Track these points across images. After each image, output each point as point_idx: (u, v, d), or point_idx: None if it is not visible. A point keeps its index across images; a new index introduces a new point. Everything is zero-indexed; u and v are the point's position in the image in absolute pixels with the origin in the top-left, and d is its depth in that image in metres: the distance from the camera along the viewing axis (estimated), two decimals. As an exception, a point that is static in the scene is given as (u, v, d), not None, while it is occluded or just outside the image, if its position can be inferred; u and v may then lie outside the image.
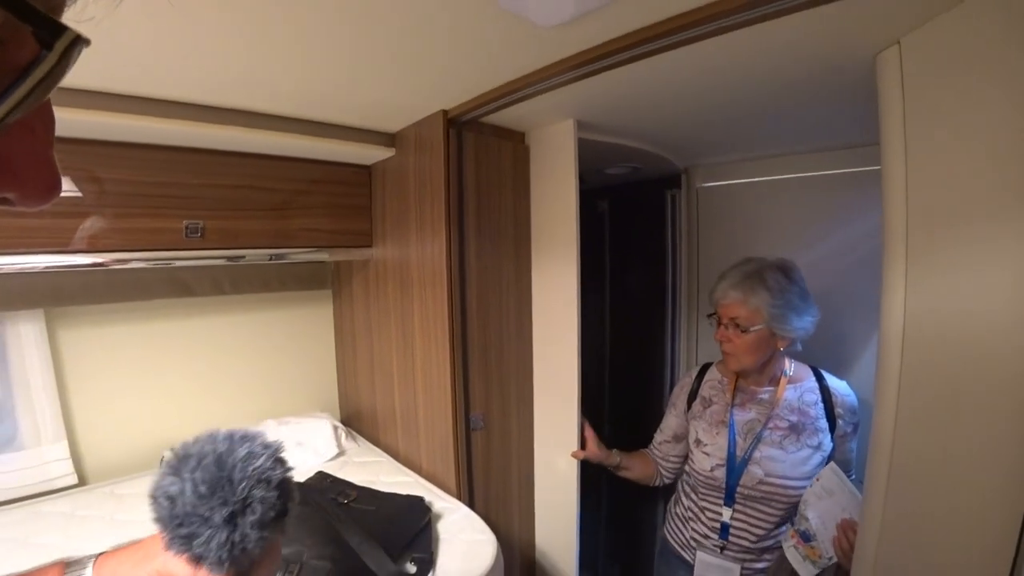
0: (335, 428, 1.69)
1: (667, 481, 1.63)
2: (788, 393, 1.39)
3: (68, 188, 1.20)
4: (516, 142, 1.52)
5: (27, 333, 1.41)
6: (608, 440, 1.57)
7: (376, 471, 1.53)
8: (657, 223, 1.97)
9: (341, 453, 1.65)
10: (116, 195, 1.25)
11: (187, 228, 1.35)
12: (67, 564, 0.66)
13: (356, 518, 1.17)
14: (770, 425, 1.36)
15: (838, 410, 1.36)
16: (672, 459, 1.59)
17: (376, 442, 1.74)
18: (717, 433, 1.44)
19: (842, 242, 1.61)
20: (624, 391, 2.17)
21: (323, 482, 1.34)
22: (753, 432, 1.38)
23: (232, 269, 1.65)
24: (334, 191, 1.58)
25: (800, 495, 1.30)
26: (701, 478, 1.44)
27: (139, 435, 1.60)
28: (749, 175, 1.80)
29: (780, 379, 1.41)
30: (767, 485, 1.33)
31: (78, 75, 0.97)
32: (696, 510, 1.47)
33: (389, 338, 1.61)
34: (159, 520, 0.60)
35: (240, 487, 0.60)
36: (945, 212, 0.81)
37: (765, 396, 1.41)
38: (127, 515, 1.33)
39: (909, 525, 0.89)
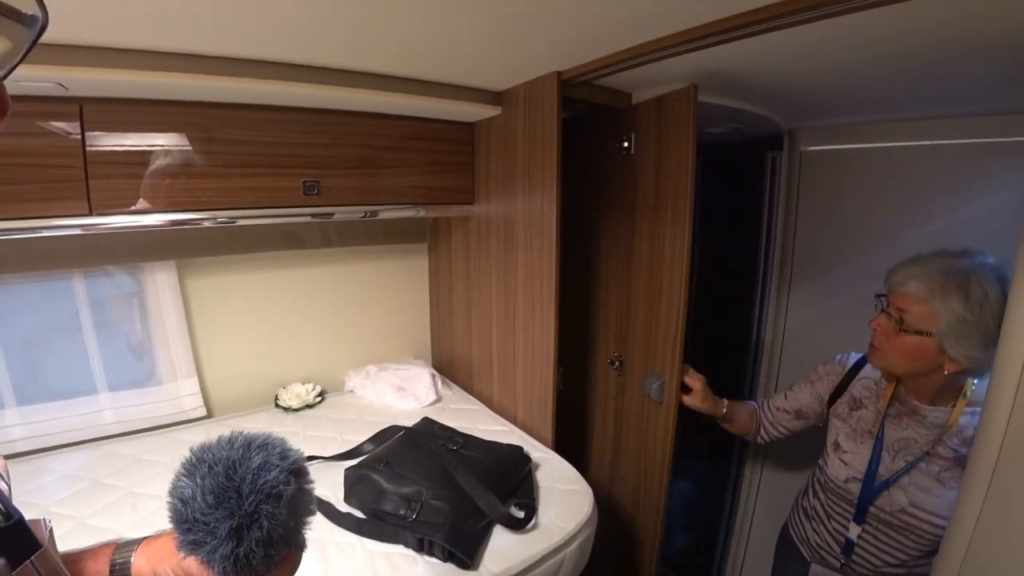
0: (433, 376, 1.79)
1: (763, 442, 1.56)
2: (964, 419, 1.14)
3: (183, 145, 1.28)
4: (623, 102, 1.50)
5: (162, 281, 1.55)
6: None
7: (473, 419, 1.63)
8: (754, 186, 1.91)
9: (439, 400, 1.75)
10: (241, 155, 1.32)
11: (305, 185, 1.42)
12: (118, 545, 0.67)
13: (466, 463, 1.26)
14: (931, 452, 1.15)
15: None
16: (781, 428, 1.50)
17: (470, 390, 1.83)
18: (860, 442, 1.27)
19: (965, 219, 1.51)
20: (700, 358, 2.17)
21: (431, 427, 1.43)
22: (908, 455, 1.18)
23: (340, 223, 1.73)
24: (437, 148, 1.61)
25: None
26: (833, 486, 1.31)
27: (255, 374, 1.75)
28: (860, 140, 1.70)
29: (957, 399, 1.16)
30: (910, 516, 1.15)
31: (205, 38, 1.03)
32: (822, 513, 1.34)
33: (489, 292, 1.66)
34: (172, 520, 0.58)
35: (248, 500, 0.57)
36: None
37: (933, 417, 1.18)
38: (254, 447, 1.47)
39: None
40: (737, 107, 1.56)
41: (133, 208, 1.22)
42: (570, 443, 1.84)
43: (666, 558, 2.38)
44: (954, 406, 1.16)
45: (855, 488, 1.24)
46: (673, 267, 1.41)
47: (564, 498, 1.27)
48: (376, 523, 1.15)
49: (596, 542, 1.27)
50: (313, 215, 1.47)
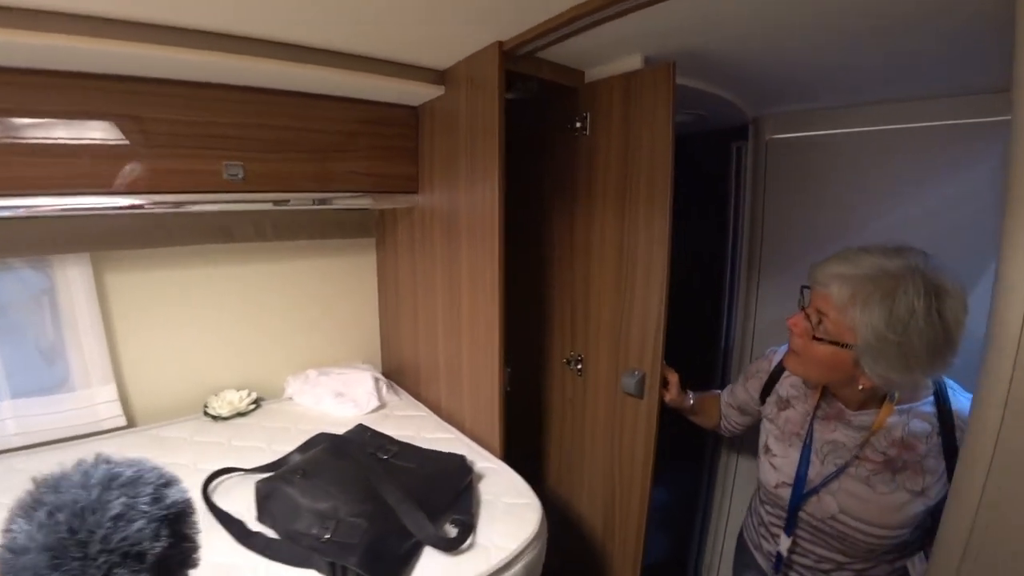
0: (376, 380, 1.66)
1: (729, 435, 1.47)
2: (890, 420, 1.04)
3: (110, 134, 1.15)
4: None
5: (75, 277, 1.40)
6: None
7: (418, 426, 1.50)
8: (719, 179, 1.81)
9: (382, 406, 1.61)
10: (154, 135, 1.19)
11: (227, 170, 1.30)
12: None
13: (396, 475, 1.13)
14: (860, 455, 1.06)
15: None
16: (735, 424, 1.42)
17: (418, 396, 1.70)
18: (790, 445, 1.17)
19: (935, 204, 1.41)
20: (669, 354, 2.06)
21: (363, 435, 1.30)
22: (837, 458, 1.09)
23: (274, 215, 1.60)
24: (380, 132, 1.49)
25: (886, 545, 1.03)
26: (765, 492, 1.21)
27: (184, 380, 1.61)
28: (827, 126, 1.61)
29: (883, 403, 1.06)
30: (841, 524, 1.05)
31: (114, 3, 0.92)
32: (766, 519, 1.24)
33: (434, 289, 1.54)
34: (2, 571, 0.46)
35: (97, 562, 0.44)
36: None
37: (859, 421, 1.08)
38: (168, 458, 1.33)
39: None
40: (700, 88, 1.46)
41: (27, 190, 1.09)
42: (528, 452, 1.72)
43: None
44: (879, 408, 1.06)
45: (785, 494, 1.14)
46: (652, 255, 1.29)
47: (509, 513, 1.14)
48: (286, 544, 1.01)
49: (553, 562, 1.16)
50: (236, 201, 1.35)
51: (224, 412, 1.54)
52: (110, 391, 1.48)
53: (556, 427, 1.66)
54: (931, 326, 0.90)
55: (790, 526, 1.13)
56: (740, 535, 1.37)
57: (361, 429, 1.34)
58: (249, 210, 1.54)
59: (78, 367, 1.44)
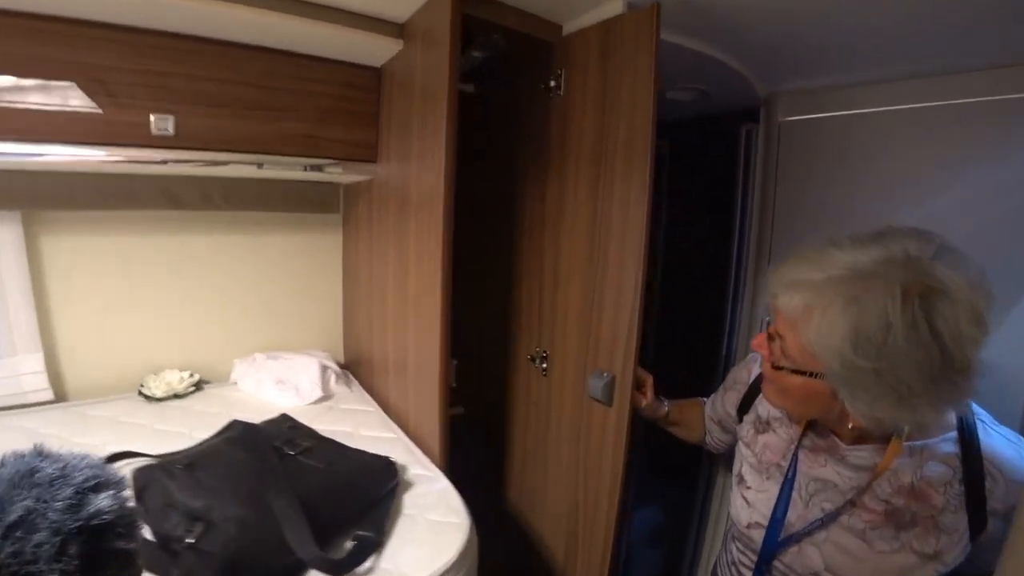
0: (324, 369, 1.50)
1: (715, 451, 1.25)
2: (899, 461, 0.79)
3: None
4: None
5: (3, 236, 1.30)
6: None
7: (359, 422, 1.34)
8: (727, 165, 1.59)
9: (327, 397, 1.46)
10: (86, 81, 1.08)
11: (155, 123, 1.17)
12: None
13: (299, 475, 0.97)
14: (856, 501, 0.81)
15: (993, 503, 0.74)
16: (718, 441, 1.20)
17: (371, 390, 1.54)
18: (767, 478, 0.93)
19: (973, 195, 1.16)
20: (668, 365, 1.84)
21: (279, 426, 1.14)
22: (826, 502, 0.84)
23: (223, 182, 1.46)
24: (336, 94, 1.34)
25: None
26: (736, 530, 0.99)
27: (124, 355, 1.49)
28: (847, 106, 1.37)
29: (890, 439, 0.80)
30: None
31: None
32: (735, 557, 1.01)
33: (386, 271, 1.38)
34: None
35: None
36: None
37: (857, 458, 0.83)
38: (87, 438, 1.21)
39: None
40: (701, 51, 1.26)
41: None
42: (488, 461, 1.54)
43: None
44: (884, 445, 0.80)
45: (758, 537, 0.90)
46: (627, 231, 1.10)
47: (431, 532, 0.96)
48: (150, 547, 0.85)
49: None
50: (169, 160, 1.22)
51: (159, 393, 1.42)
52: (36, 361, 1.37)
53: (519, 434, 1.47)
54: (918, 344, 0.64)
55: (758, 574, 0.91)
56: (713, 570, 1.15)
57: (282, 419, 1.18)
58: (195, 175, 1.41)
59: (2, 333, 1.34)
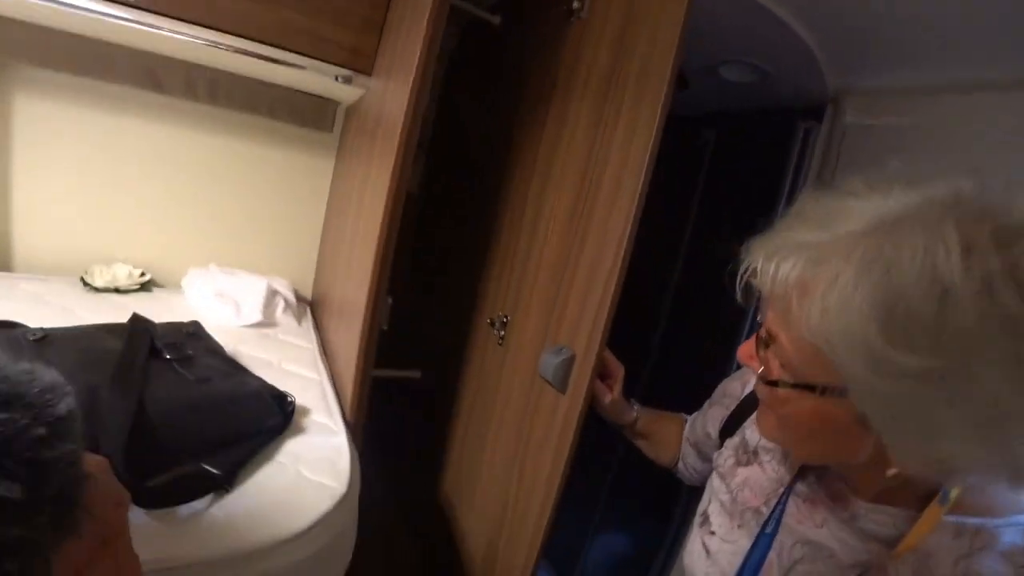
0: (273, 294, 1.36)
1: (687, 482, 0.98)
2: (935, 541, 0.50)
3: None
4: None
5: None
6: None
7: (288, 356, 1.18)
8: (776, 166, 1.33)
9: (268, 324, 1.32)
10: None
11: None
12: None
13: (157, 380, 0.82)
14: None
15: None
16: (691, 468, 0.95)
17: (321, 328, 1.38)
18: (739, 525, 0.68)
19: None
20: (674, 383, 1.58)
21: (179, 330, 1.00)
22: (810, 575, 0.58)
23: (210, 73, 1.33)
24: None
25: None
26: None
27: (78, 239, 1.41)
28: (932, 116, 1.09)
29: (926, 502, 0.51)
30: None
31: None
32: None
33: (349, 202, 1.22)
34: None
35: None
36: None
37: (871, 524, 0.55)
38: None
39: None
40: (768, 6, 1.03)
41: None
42: (425, 439, 1.35)
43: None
44: (919, 512, 0.51)
45: None
46: (622, 179, 0.86)
47: (293, 490, 0.79)
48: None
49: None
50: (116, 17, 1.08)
51: (99, 283, 1.32)
52: (-15, 224, 1.29)
53: (464, 412, 1.28)
54: (1002, 320, 0.37)
55: None
56: None
57: (189, 324, 1.06)
58: (182, 59, 1.29)
59: (-45, 186, 1.27)
